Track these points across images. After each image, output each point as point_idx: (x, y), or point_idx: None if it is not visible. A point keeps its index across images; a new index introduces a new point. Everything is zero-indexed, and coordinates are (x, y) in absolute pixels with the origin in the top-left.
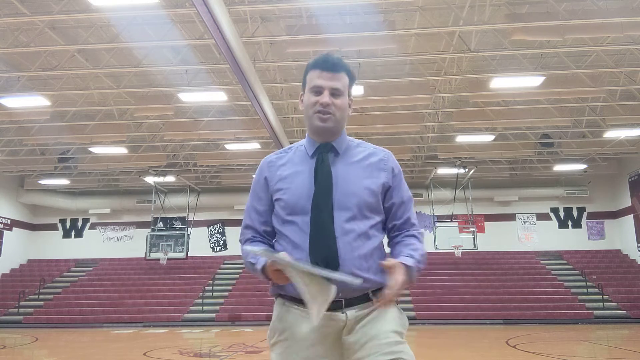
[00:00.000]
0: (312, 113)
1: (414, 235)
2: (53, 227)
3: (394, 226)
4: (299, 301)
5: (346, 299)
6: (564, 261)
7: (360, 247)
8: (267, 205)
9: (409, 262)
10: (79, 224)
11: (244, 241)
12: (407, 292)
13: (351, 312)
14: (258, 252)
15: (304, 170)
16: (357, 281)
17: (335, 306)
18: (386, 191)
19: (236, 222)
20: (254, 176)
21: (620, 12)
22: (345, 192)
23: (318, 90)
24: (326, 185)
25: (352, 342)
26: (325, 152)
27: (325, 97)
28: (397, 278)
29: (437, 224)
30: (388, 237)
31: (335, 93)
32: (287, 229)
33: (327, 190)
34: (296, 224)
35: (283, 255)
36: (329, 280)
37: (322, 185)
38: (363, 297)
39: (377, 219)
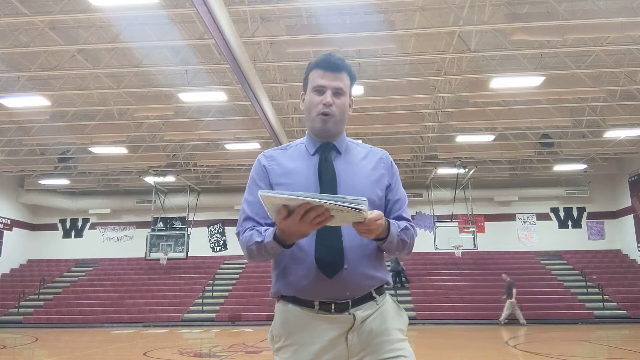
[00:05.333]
0: (315, 114)
1: (406, 219)
2: (53, 227)
3: None
4: (302, 302)
5: (353, 300)
6: (564, 261)
7: (366, 246)
8: None
9: (391, 223)
10: (79, 224)
11: (243, 232)
12: (407, 292)
13: (358, 313)
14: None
15: (307, 167)
16: (363, 205)
17: (342, 308)
18: (385, 189)
19: (236, 222)
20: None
21: (620, 12)
22: (351, 191)
23: (321, 90)
24: (331, 184)
25: (357, 342)
26: (327, 151)
27: (328, 97)
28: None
29: (437, 224)
30: None
31: (337, 93)
32: None
33: (333, 189)
34: None
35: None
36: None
37: (327, 184)
38: (367, 296)
39: None
